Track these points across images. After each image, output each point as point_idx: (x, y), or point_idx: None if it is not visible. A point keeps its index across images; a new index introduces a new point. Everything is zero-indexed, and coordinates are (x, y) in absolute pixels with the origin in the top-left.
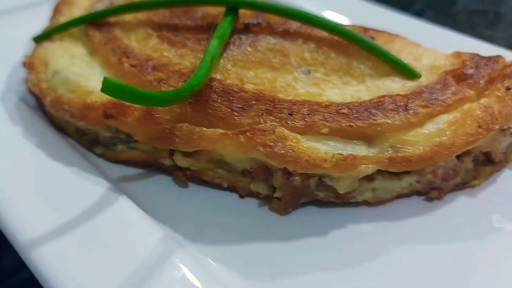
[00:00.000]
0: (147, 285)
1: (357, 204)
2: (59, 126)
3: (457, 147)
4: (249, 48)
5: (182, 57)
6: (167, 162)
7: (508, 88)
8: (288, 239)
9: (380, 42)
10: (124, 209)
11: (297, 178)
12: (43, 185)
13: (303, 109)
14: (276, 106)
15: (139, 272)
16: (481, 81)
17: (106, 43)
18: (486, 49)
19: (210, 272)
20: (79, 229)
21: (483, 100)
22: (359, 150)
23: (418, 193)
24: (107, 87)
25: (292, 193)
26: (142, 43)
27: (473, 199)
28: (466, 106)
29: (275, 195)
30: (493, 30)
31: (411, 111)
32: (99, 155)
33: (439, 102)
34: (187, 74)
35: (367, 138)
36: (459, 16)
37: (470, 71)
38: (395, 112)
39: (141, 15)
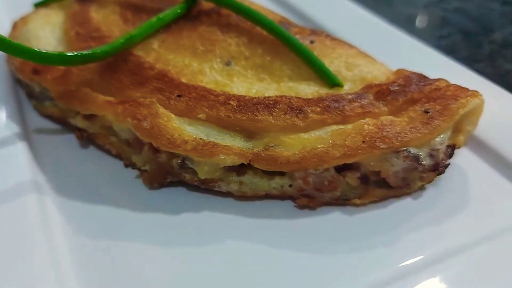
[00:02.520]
0: None
1: (222, 194)
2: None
3: (329, 157)
4: (184, 34)
5: (122, 33)
6: (72, 121)
7: (426, 112)
8: (143, 211)
9: (319, 46)
10: (14, 150)
11: (163, 155)
12: None
13: (194, 93)
14: (171, 87)
15: None
16: (400, 99)
17: (75, 13)
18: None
19: (47, 221)
20: None
21: (386, 118)
22: (231, 141)
23: (291, 198)
24: None
25: (158, 169)
26: (104, 18)
27: (348, 218)
28: (364, 120)
29: (143, 167)
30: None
31: (301, 115)
32: (33, 108)
33: (338, 111)
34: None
35: (248, 133)
36: (489, 46)
37: (396, 88)
38: (283, 113)
39: None
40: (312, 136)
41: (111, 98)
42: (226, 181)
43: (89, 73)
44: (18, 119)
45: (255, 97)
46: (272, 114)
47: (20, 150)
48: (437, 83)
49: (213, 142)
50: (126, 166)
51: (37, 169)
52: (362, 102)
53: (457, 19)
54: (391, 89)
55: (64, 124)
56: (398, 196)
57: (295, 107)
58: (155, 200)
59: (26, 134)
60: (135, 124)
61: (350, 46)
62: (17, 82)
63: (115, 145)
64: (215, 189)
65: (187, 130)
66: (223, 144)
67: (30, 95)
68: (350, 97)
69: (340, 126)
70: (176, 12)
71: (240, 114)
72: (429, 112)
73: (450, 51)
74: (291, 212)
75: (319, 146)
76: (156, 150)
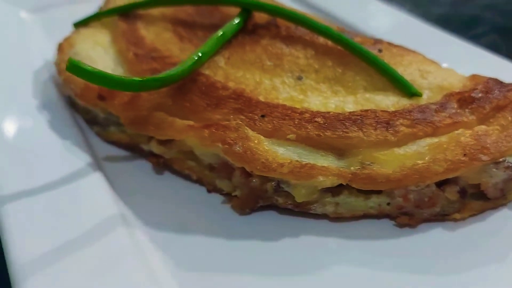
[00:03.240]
0: (81, 251)
1: (317, 216)
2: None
3: (432, 174)
4: (247, 48)
5: (183, 51)
6: (145, 147)
7: None
8: (238, 238)
9: (387, 55)
10: (92, 182)
11: (255, 179)
12: (27, 146)
13: (276, 112)
14: (251, 106)
15: (80, 237)
16: (487, 107)
17: (125, 32)
18: None
19: (145, 256)
20: (45, 193)
21: (480, 127)
22: (324, 160)
23: (389, 216)
24: (71, 66)
25: (250, 194)
26: (157, 36)
27: (450, 233)
28: (458, 132)
29: (234, 193)
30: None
31: (391, 129)
32: (96, 134)
33: (428, 123)
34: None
35: (338, 150)
36: None
37: (479, 95)
38: (372, 128)
39: (167, 11)
40: (408, 152)
41: (190, 122)
42: (321, 203)
43: (159, 97)
44: (85, 147)
45: (341, 113)
46: (361, 130)
47: (97, 181)
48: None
49: (310, 163)
50: (209, 191)
51: (118, 200)
52: (449, 112)
53: (489, 16)
54: (474, 96)
55: (133, 149)
56: (495, 207)
57: (383, 121)
58: (248, 226)
59: (98, 163)
60: (226, 149)
61: (415, 52)
62: (74, 108)
63: (195, 170)
64: (311, 211)
65: (279, 152)
66: (320, 165)
67: (92, 121)
68: (435, 107)
69: (434, 139)
70: (235, 26)
71: (329, 131)
72: None
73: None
74: (391, 231)
75: (419, 162)
76: (248, 175)
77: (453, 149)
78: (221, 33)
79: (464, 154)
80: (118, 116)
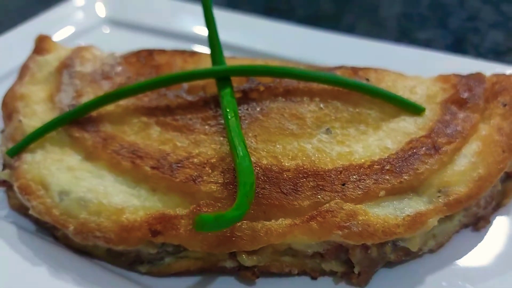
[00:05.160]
0: None
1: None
2: (81, 250)
3: (493, 177)
4: (262, 118)
5: (198, 145)
6: (228, 264)
7: (504, 105)
8: None
9: (375, 81)
10: None
11: (373, 249)
12: None
13: (351, 176)
14: (325, 179)
15: None
16: (479, 102)
17: (104, 145)
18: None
19: None
20: None
21: (492, 122)
22: (415, 203)
23: (465, 226)
24: (201, 224)
25: (370, 264)
26: (143, 136)
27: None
28: (481, 132)
29: (355, 270)
30: (425, 33)
31: (440, 151)
32: (144, 273)
33: (459, 134)
34: (218, 165)
35: (413, 189)
36: (389, 23)
37: (466, 94)
38: (428, 156)
39: (124, 102)
40: (465, 166)
41: (288, 221)
42: (424, 243)
43: (223, 207)
44: None
45: (397, 153)
46: (425, 162)
47: None
48: (484, 78)
49: (418, 213)
50: (315, 278)
51: None
52: (460, 117)
53: None
54: (462, 97)
55: (202, 272)
56: None
57: (430, 147)
58: None
59: None
60: (346, 234)
61: (383, 70)
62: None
63: (295, 264)
64: (419, 253)
65: (383, 214)
66: (425, 209)
67: (134, 263)
68: (448, 117)
69: (472, 146)
70: (232, 100)
71: (405, 175)
72: (506, 105)
73: None
74: (472, 237)
75: (480, 171)
76: (366, 248)
77: (494, 149)
78: (231, 111)
79: (503, 151)
80: (183, 245)
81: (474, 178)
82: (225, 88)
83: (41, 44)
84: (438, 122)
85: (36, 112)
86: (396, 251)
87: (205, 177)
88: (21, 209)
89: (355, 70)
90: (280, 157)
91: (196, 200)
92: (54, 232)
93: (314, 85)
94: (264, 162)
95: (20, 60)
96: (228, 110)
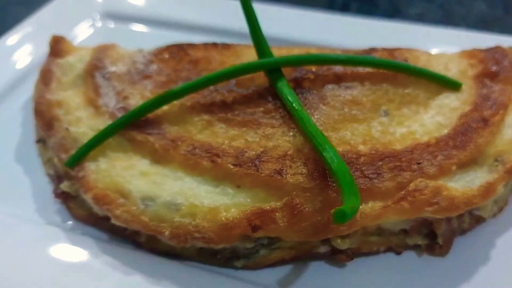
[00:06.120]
0: None
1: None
2: (169, 253)
3: None
4: (323, 107)
5: (270, 139)
6: (322, 249)
7: None
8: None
9: (412, 60)
10: None
11: (455, 220)
12: None
13: (423, 154)
14: (400, 160)
15: None
16: (510, 75)
17: (175, 147)
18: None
19: None
20: None
21: None
22: (480, 174)
23: None
24: (341, 217)
25: (451, 234)
26: (210, 134)
27: None
28: None
29: (438, 241)
30: (415, 8)
31: (489, 123)
32: (239, 268)
33: (500, 106)
34: (296, 156)
35: (474, 161)
36: (380, 1)
37: (494, 68)
38: (481, 129)
39: (177, 101)
40: (510, 136)
41: (380, 203)
42: (491, 210)
43: (318, 195)
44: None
45: (455, 129)
46: (480, 135)
47: None
48: (506, 50)
49: (488, 182)
50: (399, 253)
51: None
52: (495, 90)
53: None
54: (492, 70)
55: (294, 260)
56: None
57: (480, 120)
58: (456, 261)
59: None
60: (436, 209)
61: (414, 50)
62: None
63: (382, 242)
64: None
65: (460, 186)
66: (492, 178)
67: (230, 259)
68: (485, 91)
69: None
70: (290, 91)
71: (468, 148)
72: None
73: None
74: None
75: None
76: (449, 220)
77: None
78: (297, 103)
79: None
80: (281, 237)
81: None
82: (279, 79)
83: (57, 46)
84: (478, 96)
85: (81, 119)
86: (471, 219)
87: (288, 170)
88: (89, 219)
89: (390, 51)
90: (352, 142)
91: (283, 192)
92: (136, 238)
93: (360, 69)
94: (340, 149)
95: (24, 60)
96: (292, 101)
